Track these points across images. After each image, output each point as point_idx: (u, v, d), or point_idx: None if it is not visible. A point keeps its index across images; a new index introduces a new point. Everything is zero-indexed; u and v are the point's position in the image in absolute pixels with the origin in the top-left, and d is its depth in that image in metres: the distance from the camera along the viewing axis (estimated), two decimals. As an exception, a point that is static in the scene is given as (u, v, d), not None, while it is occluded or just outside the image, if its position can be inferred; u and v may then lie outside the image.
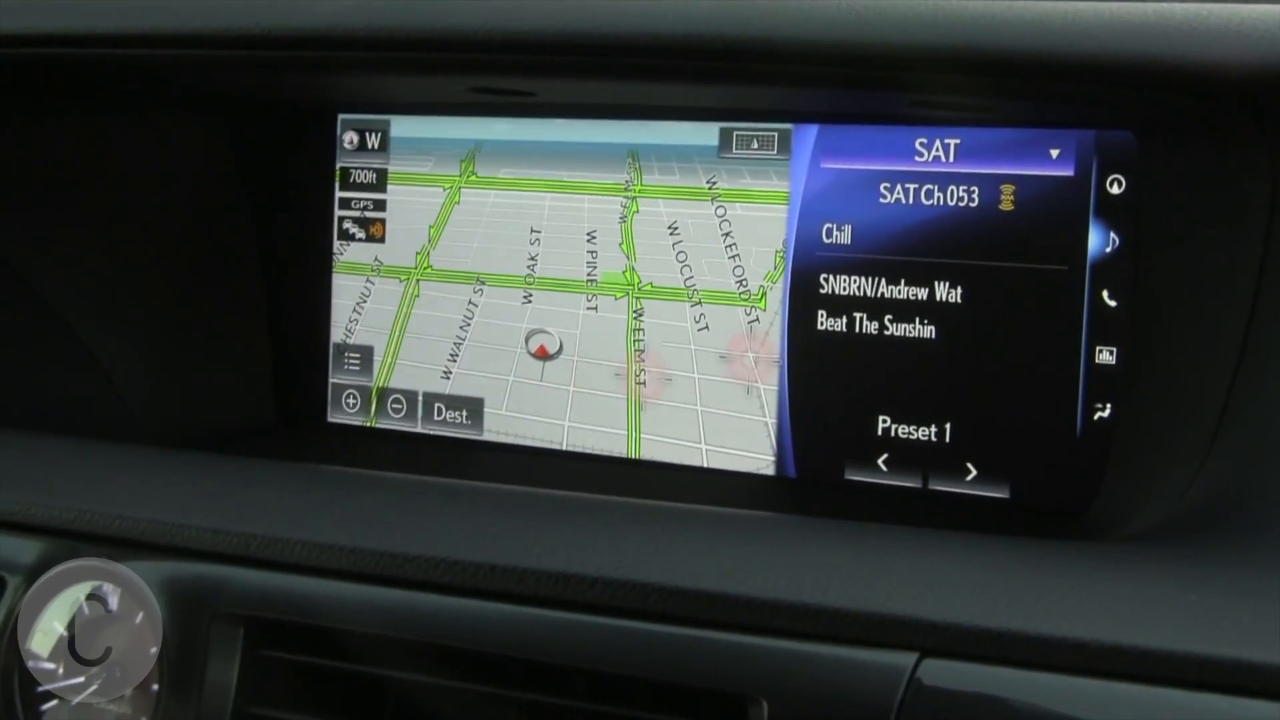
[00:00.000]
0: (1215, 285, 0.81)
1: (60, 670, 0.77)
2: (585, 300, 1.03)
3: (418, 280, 1.09)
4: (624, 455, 1.02)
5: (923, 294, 0.92)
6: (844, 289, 0.95)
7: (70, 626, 0.78)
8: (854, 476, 0.95)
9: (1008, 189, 0.90)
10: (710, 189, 0.99)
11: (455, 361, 1.07)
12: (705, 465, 1.00)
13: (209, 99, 1.11)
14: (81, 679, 0.77)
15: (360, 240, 1.11)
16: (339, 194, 1.12)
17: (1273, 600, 0.63)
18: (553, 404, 1.04)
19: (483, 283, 1.06)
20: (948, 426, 0.93)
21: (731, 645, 0.66)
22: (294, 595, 0.74)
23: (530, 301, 1.05)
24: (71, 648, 0.77)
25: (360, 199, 1.11)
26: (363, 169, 1.11)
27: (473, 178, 1.06)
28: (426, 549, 0.72)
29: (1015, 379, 0.90)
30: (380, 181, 1.10)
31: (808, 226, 0.96)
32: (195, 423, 1.12)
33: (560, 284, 1.04)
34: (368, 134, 1.10)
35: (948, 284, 0.92)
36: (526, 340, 1.05)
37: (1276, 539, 0.69)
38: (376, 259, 1.10)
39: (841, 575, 0.66)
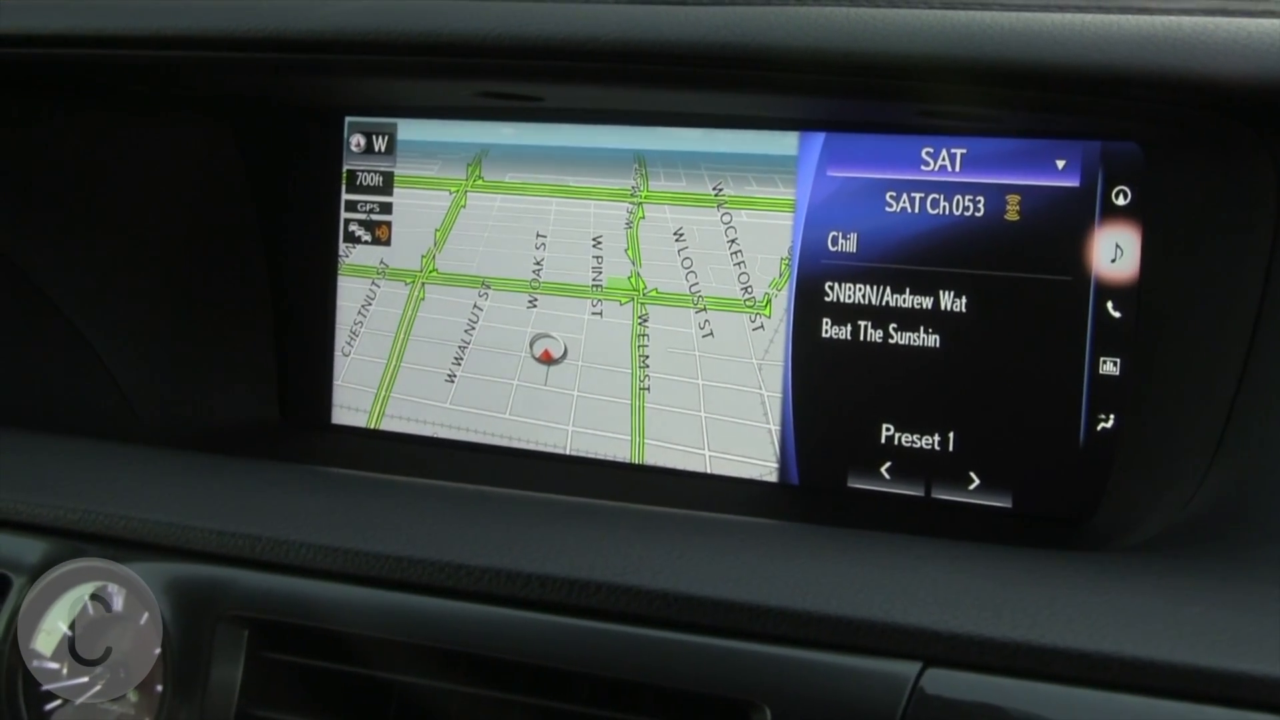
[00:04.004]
0: (1220, 297, 0.81)
1: (63, 670, 0.77)
2: (590, 305, 1.03)
3: (423, 283, 1.09)
4: (627, 461, 1.02)
5: (927, 303, 0.93)
6: (849, 297, 0.95)
7: (74, 626, 0.78)
8: (857, 484, 0.96)
9: (1013, 199, 0.90)
10: (716, 195, 0.99)
11: (459, 365, 1.07)
12: (709, 471, 1.00)
13: (216, 100, 1.11)
14: (85, 679, 0.77)
15: (366, 243, 1.11)
16: (345, 196, 1.12)
17: (1274, 612, 0.63)
18: (557, 409, 1.04)
19: (488, 287, 1.06)
20: (951, 435, 0.93)
21: (734, 652, 0.66)
22: (298, 598, 0.74)
23: (535, 306, 1.05)
24: (75, 648, 0.77)
25: (366, 202, 1.11)
26: (369, 172, 1.11)
27: (479, 182, 1.06)
28: (430, 553, 0.72)
29: (1019, 388, 0.90)
30: (386, 184, 1.10)
31: (813, 234, 0.96)
32: (200, 424, 1.12)
33: (565, 289, 1.04)
34: (374, 137, 1.11)
35: (952, 293, 0.92)
36: (531, 345, 1.05)
37: (1279, 550, 0.69)
38: (382, 262, 1.10)
39: (845, 583, 0.66)
